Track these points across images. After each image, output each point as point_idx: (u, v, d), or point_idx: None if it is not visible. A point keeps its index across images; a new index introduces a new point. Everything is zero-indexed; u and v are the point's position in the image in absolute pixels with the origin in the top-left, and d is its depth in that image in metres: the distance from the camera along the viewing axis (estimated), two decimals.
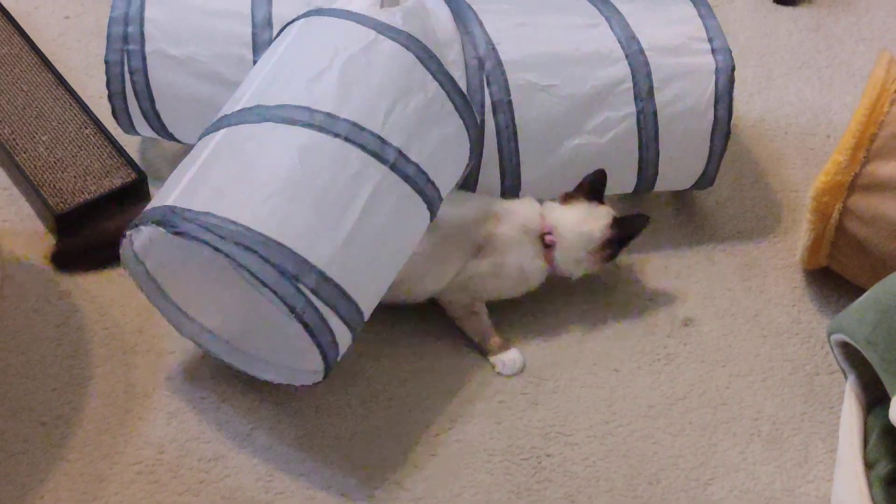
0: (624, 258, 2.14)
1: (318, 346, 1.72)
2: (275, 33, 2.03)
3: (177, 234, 1.69)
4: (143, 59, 2.09)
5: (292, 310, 1.68)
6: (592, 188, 2.03)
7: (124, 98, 2.13)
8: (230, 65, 2.06)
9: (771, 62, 2.55)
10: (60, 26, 2.56)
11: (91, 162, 2.19)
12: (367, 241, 1.77)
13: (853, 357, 1.78)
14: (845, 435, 1.77)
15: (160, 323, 1.95)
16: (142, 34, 2.08)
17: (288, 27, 1.97)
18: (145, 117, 2.16)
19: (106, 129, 2.21)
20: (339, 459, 1.86)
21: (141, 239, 1.82)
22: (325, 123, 1.77)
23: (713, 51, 2.08)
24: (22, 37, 2.44)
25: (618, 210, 2.04)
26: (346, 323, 1.75)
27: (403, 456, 1.87)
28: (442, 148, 1.89)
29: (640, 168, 2.10)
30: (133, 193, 2.17)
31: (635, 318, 2.08)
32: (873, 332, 1.70)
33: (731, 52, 2.07)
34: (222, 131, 1.81)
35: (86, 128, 2.25)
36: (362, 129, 1.79)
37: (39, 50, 2.41)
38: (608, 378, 1.99)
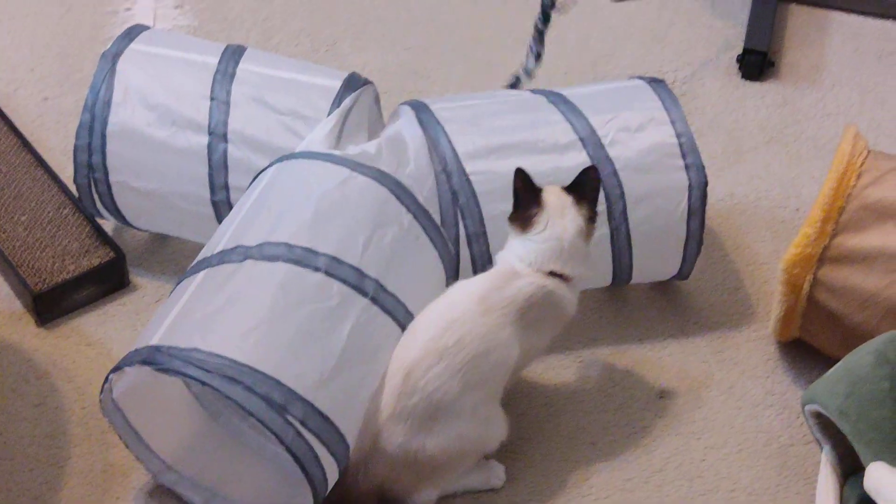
0: (599, 335, 2.16)
1: (308, 477, 1.68)
2: (230, 175, 2.06)
3: (163, 371, 1.68)
4: (109, 186, 2.14)
5: (281, 440, 1.65)
6: (524, 195, 1.90)
7: (95, 206, 2.20)
8: (191, 202, 2.11)
9: (740, 137, 2.58)
10: (39, 108, 2.58)
11: (69, 242, 2.21)
12: (351, 372, 1.75)
13: (828, 427, 1.79)
14: None
15: None
16: (104, 165, 2.12)
17: (261, 174, 2.00)
18: (118, 221, 2.23)
19: (84, 209, 2.23)
20: None
21: (122, 386, 1.78)
22: (304, 258, 1.79)
23: (686, 167, 2.06)
24: (1, 118, 2.46)
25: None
26: (333, 455, 1.72)
27: None
28: (417, 278, 1.91)
29: (614, 275, 2.11)
30: (111, 273, 2.19)
31: (610, 391, 2.09)
32: (845, 402, 1.72)
33: (703, 168, 2.06)
34: (203, 272, 1.82)
35: (64, 208, 2.26)
36: (341, 262, 1.80)
37: (18, 131, 2.43)
38: (584, 451, 1.99)
